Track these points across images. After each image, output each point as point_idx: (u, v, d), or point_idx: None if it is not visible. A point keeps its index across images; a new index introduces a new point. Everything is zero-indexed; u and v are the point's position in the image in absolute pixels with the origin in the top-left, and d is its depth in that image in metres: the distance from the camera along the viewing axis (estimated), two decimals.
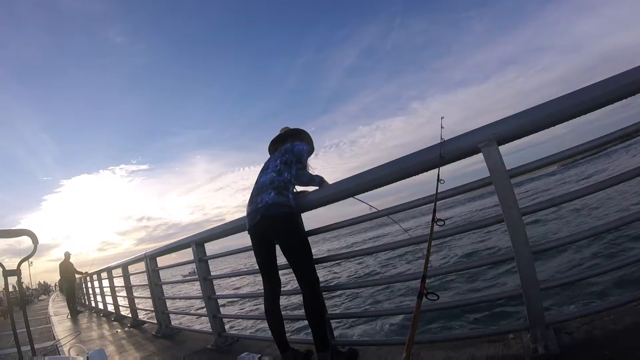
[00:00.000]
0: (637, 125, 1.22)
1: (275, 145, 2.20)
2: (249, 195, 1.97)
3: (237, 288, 15.17)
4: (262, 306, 1.91)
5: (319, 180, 1.96)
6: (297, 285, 1.83)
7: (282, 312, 1.93)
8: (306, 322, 1.79)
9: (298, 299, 1.93)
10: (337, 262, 12.77)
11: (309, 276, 1.78)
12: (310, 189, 2.00)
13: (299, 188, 2.03)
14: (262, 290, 1.94)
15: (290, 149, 2.01)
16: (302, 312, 1.79)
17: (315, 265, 1.85)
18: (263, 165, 2.09)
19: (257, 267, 1.96)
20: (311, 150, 2.21)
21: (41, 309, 11.69)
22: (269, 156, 2.12)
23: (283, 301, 1.99)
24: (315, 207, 1.96)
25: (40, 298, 21.87)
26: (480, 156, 1.40)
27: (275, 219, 1.78)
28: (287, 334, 1.93)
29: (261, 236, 1.88)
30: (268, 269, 1.92)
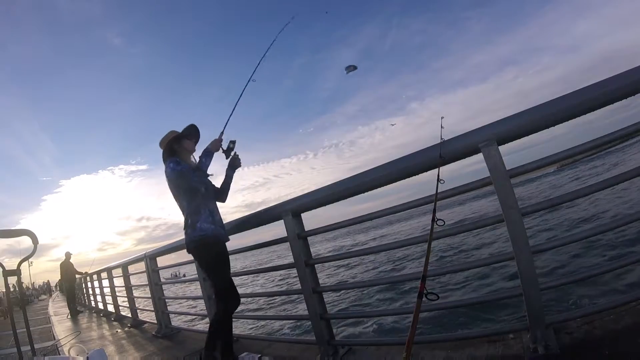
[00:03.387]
0: (637, 125, 1.22)
1: None
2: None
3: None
4: (262, 306, 1.93)
5: (204, 164, 1.99)
6: (291, 287, 1.83)
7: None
8: (301, 322, 1.82)
9: (289, 299, 1.94)
10: (337, 262, 12.76)
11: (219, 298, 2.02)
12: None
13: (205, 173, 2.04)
14: (262, 291, 1.97)
15: (167, 180, 1.98)
16: (291, 312, 1.79)
17: (315, 266, 1.84)
18: None
19: (257, 267, 1.99)
20: (190, 146, 2.08)
21: (41, 309, 11.68)
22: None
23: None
24: (315, 208, 1.95)
25: (40, 298, 21.86)
26: (480, 156, 1.41)
27: (195, 254, 2.04)
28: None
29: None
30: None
